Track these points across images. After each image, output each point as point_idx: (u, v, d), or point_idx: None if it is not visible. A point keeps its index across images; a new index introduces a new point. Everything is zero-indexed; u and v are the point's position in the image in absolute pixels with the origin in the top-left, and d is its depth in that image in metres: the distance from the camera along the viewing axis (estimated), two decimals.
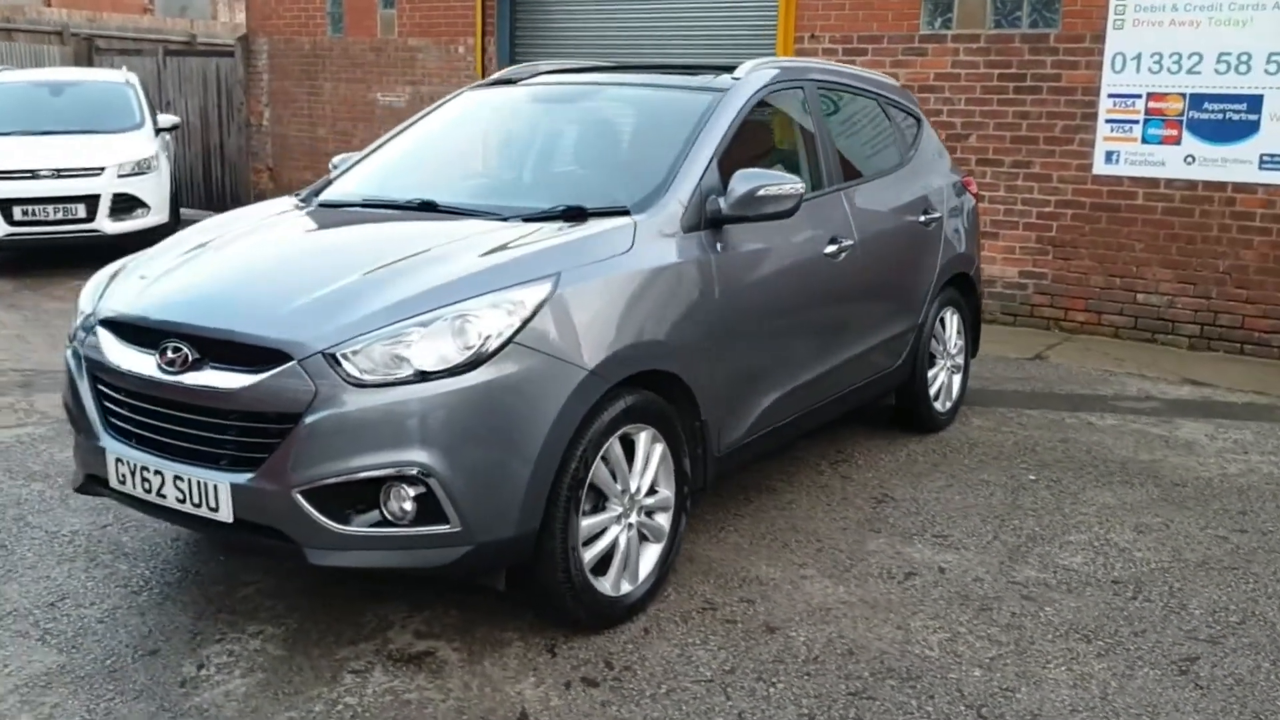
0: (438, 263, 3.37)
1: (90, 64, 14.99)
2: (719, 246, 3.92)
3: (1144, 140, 8.27)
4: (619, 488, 3.52)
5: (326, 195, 4.38)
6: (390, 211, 4.08)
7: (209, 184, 14.21)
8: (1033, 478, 5.10)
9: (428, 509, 3.07)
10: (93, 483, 3.56)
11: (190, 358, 3.21)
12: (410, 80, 12.00)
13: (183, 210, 11.29)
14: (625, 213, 3.76)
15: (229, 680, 3.24)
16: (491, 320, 3.14)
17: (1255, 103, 7.84)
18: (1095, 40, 8.32)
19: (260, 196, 13.64)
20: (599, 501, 3.47)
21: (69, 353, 3.68)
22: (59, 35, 16.50)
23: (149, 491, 3.30)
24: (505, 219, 3.78)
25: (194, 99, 14.09)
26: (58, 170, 9.79)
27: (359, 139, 12.57)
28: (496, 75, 5.05)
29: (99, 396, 3.50)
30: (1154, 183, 8.25)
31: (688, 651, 3.44)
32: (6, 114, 10.59)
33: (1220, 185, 8.02)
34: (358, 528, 3.09)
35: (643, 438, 3.57)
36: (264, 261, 3.69)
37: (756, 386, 4.16)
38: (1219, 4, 7.86)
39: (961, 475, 5.10)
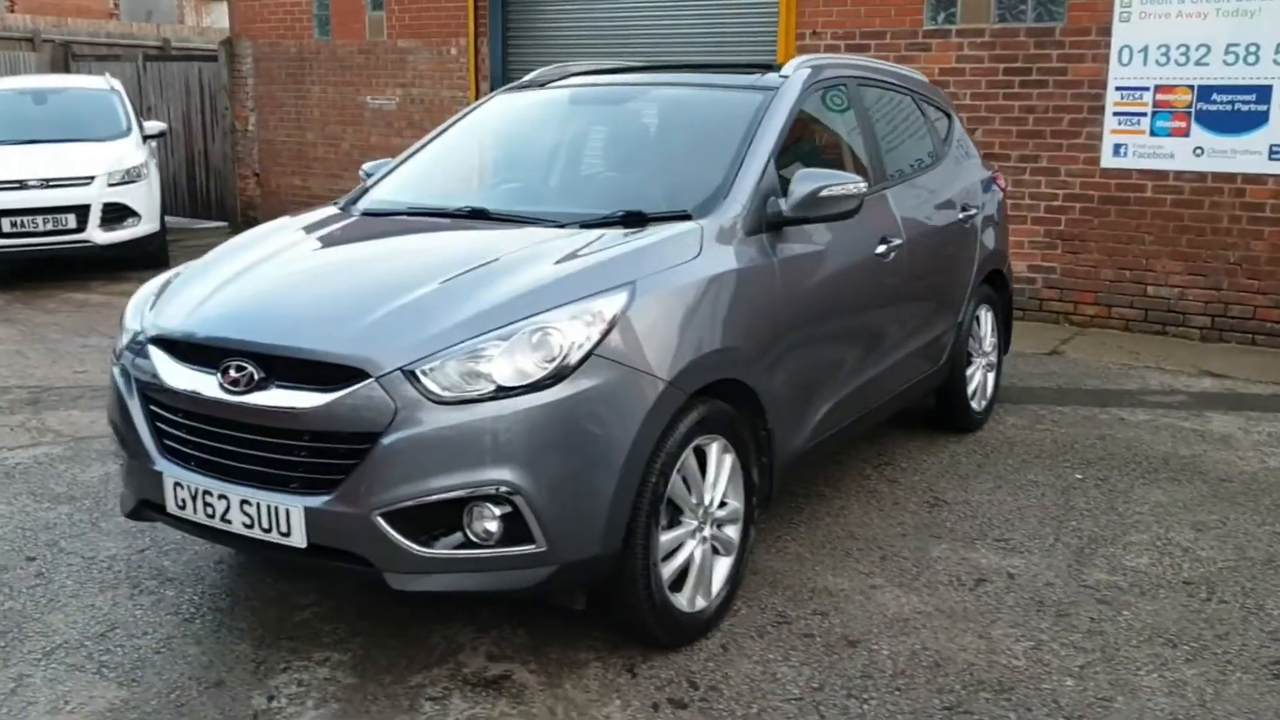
0: (509, 273, 3.25)
1: (67, 70, 14.69)
2: (778, 249, 3.82)
3: (1152, 133, 8.25)
4: (693, 500, 3.41)
5: (368, 204, 4.25)
6: (441, 220, 3.95)
7: (193, 191, 13.97)
8: (1079, 476, 5.04)
9: (513, 529, 2.96)
10: (146, 508, 3.42)
11: (255, 377, 3.08)
12: (401, 83, 11.83)
13: (167, 219, 11.03)
14: (686, 217, 3.66)
15: (303, 712, 3.11)
16: (572, 332, 3.03)
17: (1264, 93, 7.83)
18: (1102, 33, 8.30)
19: (247, 203, 13.44)
20: (673, 516, 3.36)
21: (116, 371, 3.54)
22: (29, 41, 16.19)
23: (212, 517, 3.16)
24: (563, 226, 3.67)
25: (176, 105, 13.84)
26: (46, 180, 9.57)
27: (348, 143, 12.41)
28: (527, 78, 4.93)
29: (152, 418, 3.36)
30: (1163, 175, 8.23)
31: (771, 668, 3.34)
32: None
33: (1230, 176, 8.01)
34: (440, 550, 2.97)
35: (714, 449, 3.48)
36: (325, 274, 3.56)
37: (816, 392, 4.07)
38: None
39: (1008, 476, 5.03)
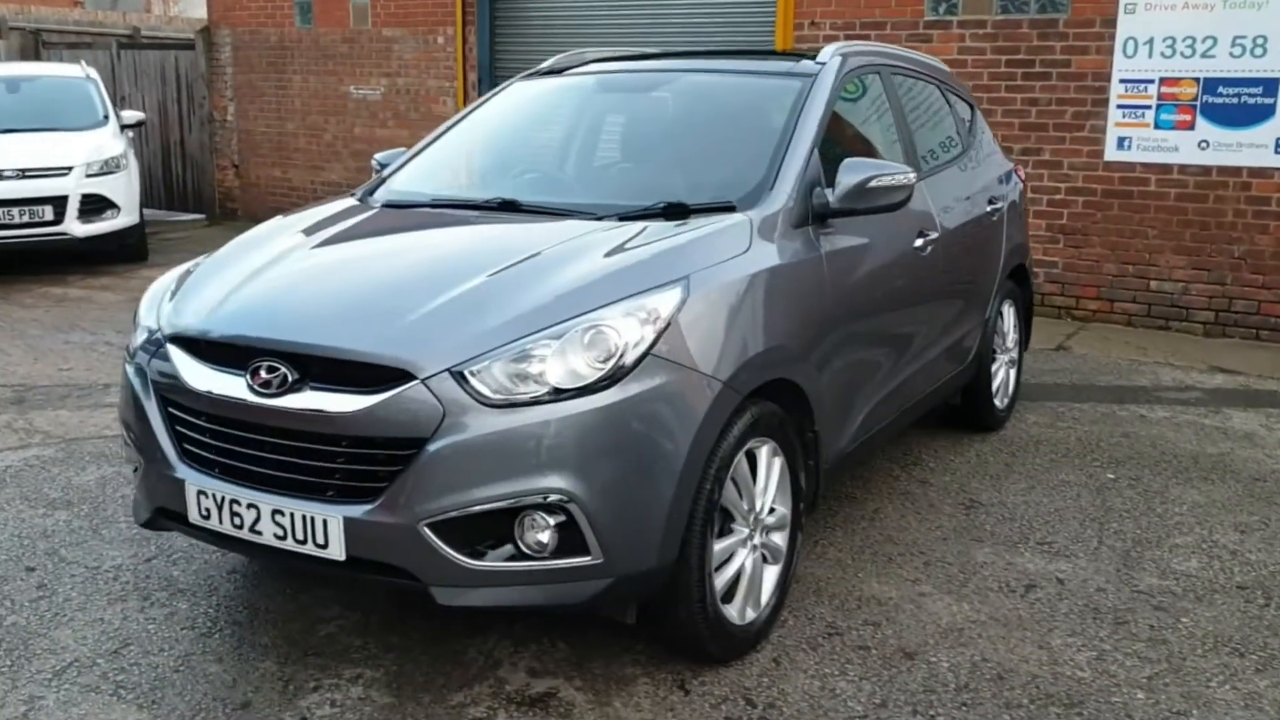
0: (555, 267, 3.07)
1: (38, 59, 14.30)
2: (823, 242, 3.66)
3: (1157, 126, 8.16)
4: (745, 507, 3.25)
5: (388, 195, 4.04)
6: (469, 212, 3.75)
7: (170, 182, 13.64)
8: (1112, 476, 4.92)
9: (568, 540, 2.78)
10: (163, 517, 3.21)
11: (289, 378, 2.87)
12: (386, 72, 11.58)
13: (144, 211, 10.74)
14: (730, 209, 3.49)
15: None
16: (627, 330, 2.85)
17: (1271, 86, 7.75)
18: (1106, 25, 8.19)
19: (225, 195, 13.15)
20: (724, 524, 3.19)
21: (130, 371, 3.32)
22: None
23: (240, 527, 2.96)
24: (601, 218, 3.48)
25: (151, 94, 13.50)
26: (22, 171, 9.26)
27: (331, 134, 12.15)
28: (544, 65, 4.73)
29: (171, 421, 3.15)
30: (1167, 168, 8.15)
31: (829, 683, 3.18)
32: None
33: (1235, 170, 7.93)
34: (491, 563, 2.78)
35: (764, 452, 3.31)
36: (356, 269, 3.34)
37: (859, 391, 3.91)
38: None
39: (1040, 476, 4.90)
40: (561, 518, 2.76)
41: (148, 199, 12.93)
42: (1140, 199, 8.26)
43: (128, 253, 10.18)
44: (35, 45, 14.73)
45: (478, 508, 2.73)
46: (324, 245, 3.53)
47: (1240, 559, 4.06)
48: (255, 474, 2.95)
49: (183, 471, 3.08)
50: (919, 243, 4.29)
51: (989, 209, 5.13)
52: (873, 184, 3.59)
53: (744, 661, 3.28)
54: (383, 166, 4.41)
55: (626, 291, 2.95)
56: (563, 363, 2.79)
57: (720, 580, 3.16)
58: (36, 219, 9.30)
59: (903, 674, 3.23)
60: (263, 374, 2.90)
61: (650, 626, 3.19)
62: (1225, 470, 5.03)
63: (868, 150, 4.30)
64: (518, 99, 4.54)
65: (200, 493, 3.02)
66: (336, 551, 2.83)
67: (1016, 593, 3.76)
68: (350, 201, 4.03)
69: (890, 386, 4.18)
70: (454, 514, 2.73)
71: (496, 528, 2.78)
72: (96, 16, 19.84)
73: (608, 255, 3.11)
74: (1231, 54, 7.85)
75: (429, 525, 2.74)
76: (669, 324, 2.92)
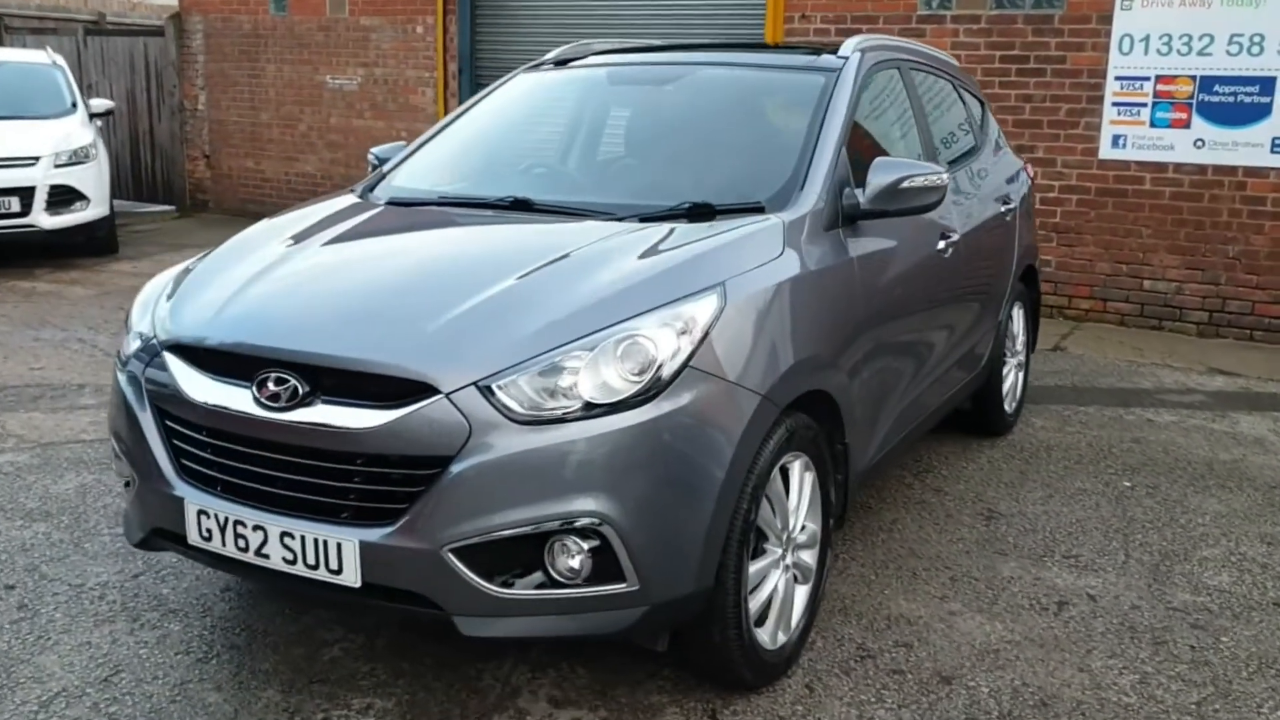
0: (586, 271, 2.88)
1: (0, 44, 13.89)
2: (852, 245, 3.50)
3: (1152, 124, 8.08)
4: (778, 526, 3.08)
5: (392, 192, 3.83)
6: (480, 211, 3.56)
7: (138, 173, 13.28)
8: (1128, 484, 4.80)
9: (602, 566, 2.59)
10: (159, 538, 3.00)
11: (300, 391, 2.67)
12: (363, 62, 11.31)
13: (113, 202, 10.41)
14: (759, 210, 3.32)
15: None
16: (664, 341, 2.67)
17: (1268, 85, 7.68)
18: (1102, 21, 8.09)
19: (196, 186, 12.83)
20: (757, 544, 3.02)
21: (122, 380, 3.09)
22: None
23: (245, 550, 2.75)
24: (621, 219, 3.30)
25: (120, 82, 13.14)
26: None
27: (306, 124, 11.87)
28: (548, 57, 4.53)
29: (168, 434, 2.93)
30: (1162, 167, 8.07)
31: (866, 711, 3.02)
32: None
33: (1231, 169, 7.86)
34: (521, 590, 2.59)
35: (796, 467, 3.14)
36: (366, 273, 3.12)
37: (885, 401, 3.76)
38: None
39: (1056, 484, 4.77)
40: (595, 542, 2.58)
41: (115, 190, 12.59)
42: (1135, 197, 8.18)
43: (97, 245, 9.87)
44: None
45: (506, 532, 2.54)
46: (330, 246, 3.31)
47: (1271, 573, 3.95)
48: (262, 493, 2.74)
49: (181, 489, 2.87)
50: (941, 245, 4.13)
51: (1003, 209, 5.00)
52: (906, 184, 3.42)
53: (776, 688, 3.11)
54: (381, 161, 4.20)
55: (661, 299, 2.76)
56: (595, 375, 2.61)
57: (754, 603, 2.99)
58: (2, 210, 8.97)
59: (942, 701, 3.08)
60: (270, 386, 2.70)
61: (679, 652, 3.02)
62: (1242, 478, 4.92)
63: (889, 149, 4.14)
64: (524, 91, 4.34)
65: (201, 512, 2.81)
66: (351, 578, 2.63)
67: (1049, 610, 3.62)
68: (351, 199, 3.82)
69: (913, 395, 4.03)
70: (481, 539, 2.54)
71: (526, 553, 2.59)
72: (60, 2, 19.37)
73: (641, 258, 2.93)
74: (1228, 52, 7.77)
75: (453, 550, 2.55)
76: (706, 333, 2.74)
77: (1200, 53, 7.86)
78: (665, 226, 3.19)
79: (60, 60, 10.60)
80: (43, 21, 15.93)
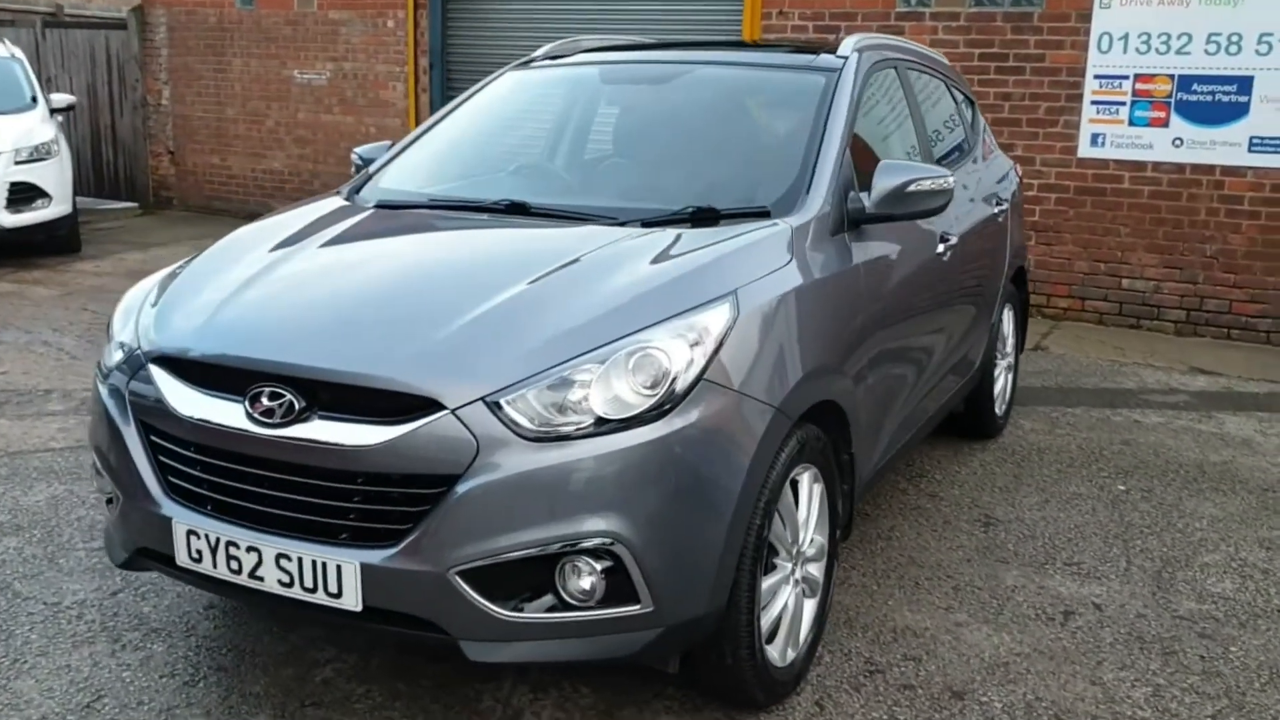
0: (595, 278, 2.77)
1: None
2: (857, 250, 3.41)
3: (1131, 122, 8.07)
4: (789, 540, 2.99)
5: (379, 195, 3.70)
6: (475, 215, 3.44)
7: (99, 169, 13.00)
8: (1123, 488, 4.76)
9: (616, 587, 2.50)
10: (145, 558, 2.86)
11: (295, 406, 2.55)
12: (332, 56, 11.12)
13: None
14: (765, 214, 3.23)
15: None
16: (677, 353, 2.57)
17: (1245, 84, 7.69)
18: (1081, 19, 8.08)
19: (160, 183, 12.58)
20: (767, 559, 2.93)
21: (104, 392, 2.95)
22: None
23: (238, 572, 2.63)
24: (623, 223, 3.20)
25: (80, 75, 12.84)
26: None
27: (273, 120, 11.66)
28: (537, 53, 4.42)
29: (154, 450, 2.80)
30: (1141, 166, 8.07)
31: None
32: None
33: (1209, 168, 7.88)
34: (531, 614, 2.49)
35: (805, 479, 3.06)
36: (361, 280, 2.97)
37: (888, 409, 3.68)
38: None
39: (1051, 488, 4.72)
40: (608, 563, 2.48)
41: (77, 186, 12.33)
42: (1113, 196, 8.17)
43: (58, 244, 9.63)
44: None
45: (516, 553, 2.44)
46: (318, 251, 3.17)
47: (1273, 579, 3.92)
48: (256, 512, 2.62)
49: (169, 508, 2.74)
50: (940, 248, 4.07)
51: (995, 210, 4.94)
52: (912, 188, 3.34)
53: (785, 706, 3.03)
54: (366, 162, 4.06)
55: (672, 308, 2.67)
56: (607, 389, 2.51)
57: (765, 621, 2.90)
58: None
59: (956, 717, 3.01)
60: (264, 401, 2.58)
61: (688, 673, 2.92)
62: (1234, 480, 4.90)
63: (889, 151, 4.06)
64: (514, 90, 4.22)
65: (190, 532, 2.68)
66: (351, 601, 2.52)
67: (1056, 621, 3.56)
68: (339, 201, 3.68)
69: (914, 401, 3.96)
70: (489, 561, 2.44)
71: (536, 575, 2.49)
72: None
73: (653, 263, 2.83)
74: (1206, 51, 7.77)
75: (460, 573, 2.44)
76: (719, 345, 2.65)
77: (1179, 51, 7.86)
78: (670, 232, 3.09)
79: (19, 53, 10.33)
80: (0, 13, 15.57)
